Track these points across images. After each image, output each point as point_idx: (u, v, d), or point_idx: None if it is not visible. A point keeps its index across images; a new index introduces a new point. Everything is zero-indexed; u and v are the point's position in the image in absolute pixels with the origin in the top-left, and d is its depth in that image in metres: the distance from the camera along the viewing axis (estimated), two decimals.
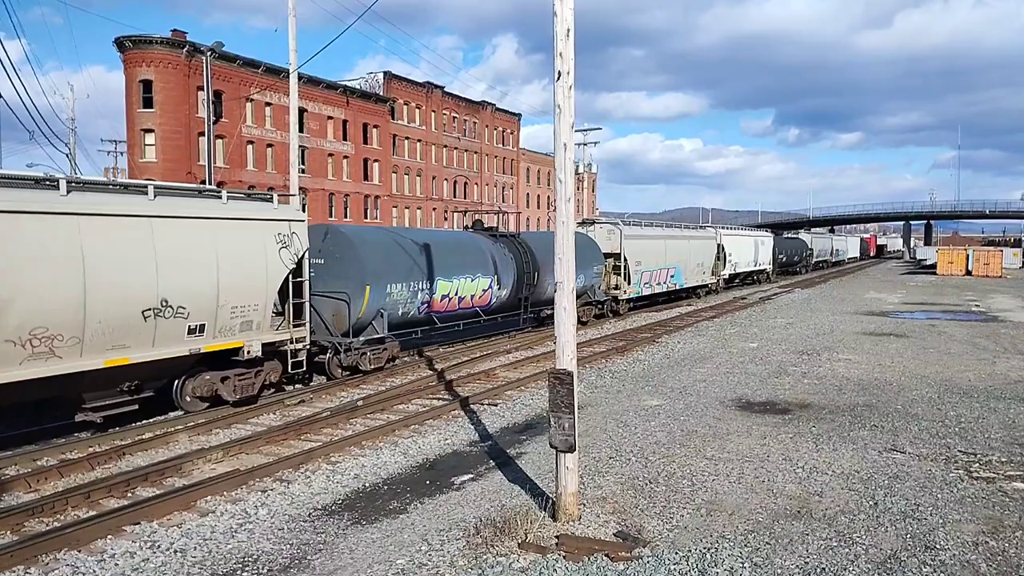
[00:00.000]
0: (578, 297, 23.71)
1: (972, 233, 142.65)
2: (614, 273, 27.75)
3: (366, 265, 15.86)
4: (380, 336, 16.17)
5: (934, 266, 60.30)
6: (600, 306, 26.68)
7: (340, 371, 15.72)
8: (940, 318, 26.67)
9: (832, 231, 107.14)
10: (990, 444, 10.16)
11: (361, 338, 15.75)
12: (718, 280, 38.85)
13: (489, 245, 20.60)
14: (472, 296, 19.47)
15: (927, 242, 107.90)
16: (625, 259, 27.82)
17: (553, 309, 24.65)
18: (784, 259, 55.92)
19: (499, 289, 20.52)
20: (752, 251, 45.93)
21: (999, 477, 8.74)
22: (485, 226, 23.08)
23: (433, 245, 18.41)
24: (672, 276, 32.34)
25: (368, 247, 16.37)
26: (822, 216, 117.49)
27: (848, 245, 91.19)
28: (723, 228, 43.20)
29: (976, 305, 31.95)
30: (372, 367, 15.85)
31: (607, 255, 27.17)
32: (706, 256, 36.89)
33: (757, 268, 47.59)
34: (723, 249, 39.35)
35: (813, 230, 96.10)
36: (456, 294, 18.74)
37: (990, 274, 54.05)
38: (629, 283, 28.12)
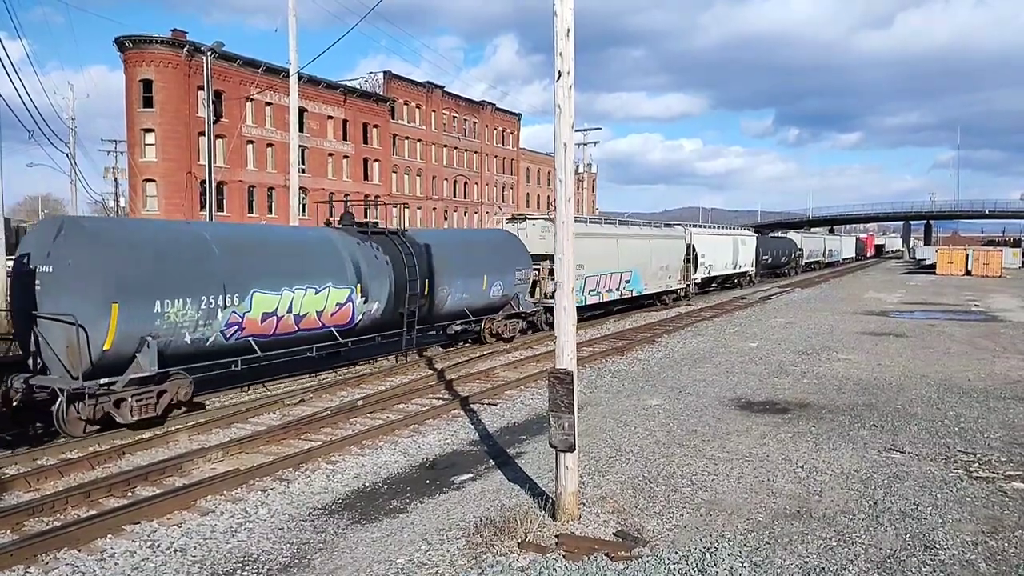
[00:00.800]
0: (498, 309, 20.64)
1: (972, 233, 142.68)
2: (552, 278, 22.04)
3: (112, 274, 11.18)
4: (154, 374, 11.50)
5: (934, 266, 60.33)
6: (529, 319, 22.02)
7: (84, 425, 11.19)
8: (940, 318, 26.68)
9: (832, 231, 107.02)
10: (989, 444, 10.17)
11: (126, 376, 11.31)
12: (688, 285, 34.68)
13: (351, 245, 15.83)
14: (319, 313, 14.72)
15: (927, 242, 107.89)
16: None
17: (461, 324, 18.62)
18: (770, 260, 52.08)
19: (365, 302, 15.82)
20: (730, 252, 41.70)
21: (998, 477, 8.74)
22: (359, 221, 17.73)
23: (246, 244, 13.97)
24: (627, 281, 28.20)
25: (116, 248, 11.53)
26: (821, 216, 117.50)
27: (842, 245, 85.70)
28: (694, 226, 38.71)
29: (976, 305, 31.97)
30: (136, 418, 11.33)
31: (542, 257, 22.71)
32: (672, 258, 32.67)
33: (737, 271, 43.27)
34: (694, 250, 35.18)
35: (813, 230, 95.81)
36: (289, 311, 14.02)
37: (990, 274, 54.08)
38: None
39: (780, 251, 55.61)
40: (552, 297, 21.89)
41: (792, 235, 64.39)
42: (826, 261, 72.28)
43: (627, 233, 29.41)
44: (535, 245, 22.94)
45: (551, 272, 21.97)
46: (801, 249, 61.31)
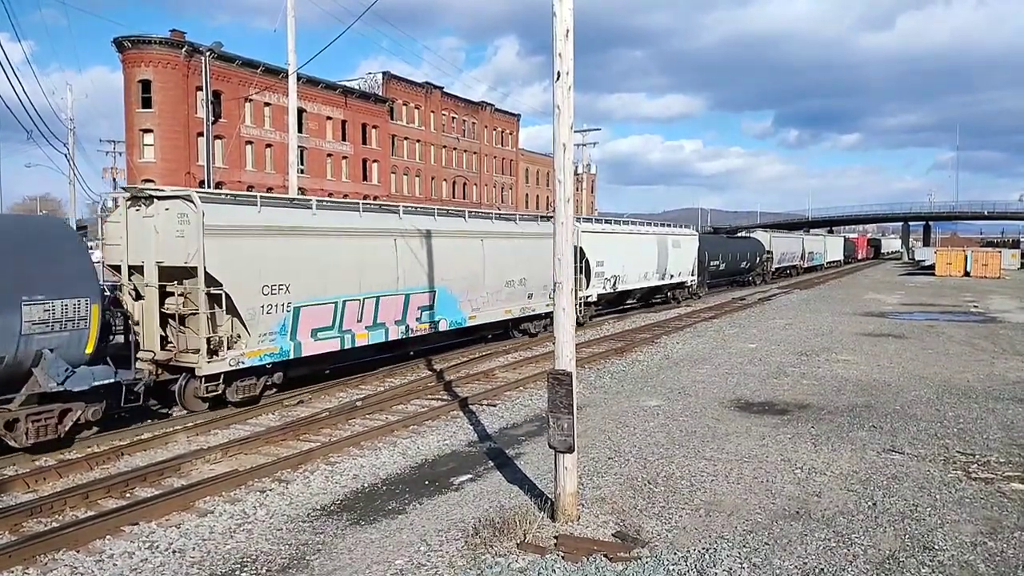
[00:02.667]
0: (10, 387, 9.77)
1: (970, 234, 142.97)
2: (211, 316, 12.23)
3: None
4: None
5: (932, 267, 60.33)
6: (87, 414, 10.53)
7: None
8: (939, 319, 26.69)
9: (831, 231, 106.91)
10: (988, 445, 10.17)
11: None
12: (577, 304, 22.62)
13: None
14: None
15: (926, 243, 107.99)
16: (208, 277, 11.96)
17: None
18: (722, 267, 41.66)
19: None
20: (653, 257, 30.18)
21: (997, 478, 8.75)
22: None
23: None
24: (425, 308, 16.70)
25: None
26: (821, 217, 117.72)
27: (827, 247, 71.19)
28: (587, 221, 26.81)
29: (974, 306, 31.97)
30: None
31: (185, 271, 12.17)
32: (537, 267, 19.98)
33: (667, 282, 31.85)
34: (583, 255, 23.57)
35: (814, 231, 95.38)
36: None
37: (988, 275, 54.07)
38: (249, 333, 12.65)
39: (739, 255, 44.74)
40: (189, 352, 12.24)
41: (759, 235, 52.66)
42: (805, 266, 60.30)
43: (422, 228, 16.62)
44: (170, 251, 12.24)
45: (211, 297, 12.09)
46: (770, 252, 50.24)
